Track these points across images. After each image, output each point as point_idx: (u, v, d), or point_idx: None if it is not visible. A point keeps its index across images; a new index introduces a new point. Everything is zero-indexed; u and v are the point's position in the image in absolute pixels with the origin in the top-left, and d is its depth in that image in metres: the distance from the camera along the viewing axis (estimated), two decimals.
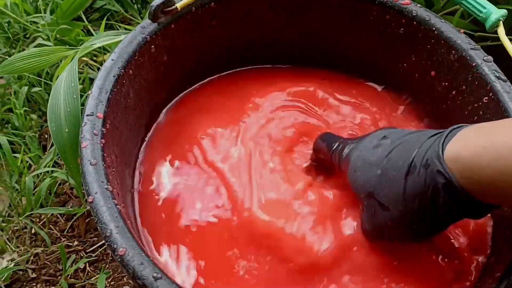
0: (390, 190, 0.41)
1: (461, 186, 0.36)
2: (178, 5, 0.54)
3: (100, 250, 0.72)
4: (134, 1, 0.95)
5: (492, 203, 0.37)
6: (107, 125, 0.47)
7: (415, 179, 0.39)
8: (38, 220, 0.75)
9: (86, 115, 0.46)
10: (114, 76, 0.49)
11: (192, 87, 0.64)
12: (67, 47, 0.78)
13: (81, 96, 0.71)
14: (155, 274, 0.38)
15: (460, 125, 0.39)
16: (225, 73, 0.65)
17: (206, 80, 0.65)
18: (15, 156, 0.74)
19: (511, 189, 0.33)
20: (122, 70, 0.50)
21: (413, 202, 0.40)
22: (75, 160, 0.55)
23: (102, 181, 0.43)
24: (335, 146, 0.51)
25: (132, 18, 0.92)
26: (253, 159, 0.54)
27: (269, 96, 0.60)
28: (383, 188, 0.42)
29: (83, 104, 0.49)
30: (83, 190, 0.43)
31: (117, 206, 0.42)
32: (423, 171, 0.38)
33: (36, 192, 0.72)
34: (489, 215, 0.51)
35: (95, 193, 0.42)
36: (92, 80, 0.72)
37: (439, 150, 0.37)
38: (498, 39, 0.51)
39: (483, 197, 0.36)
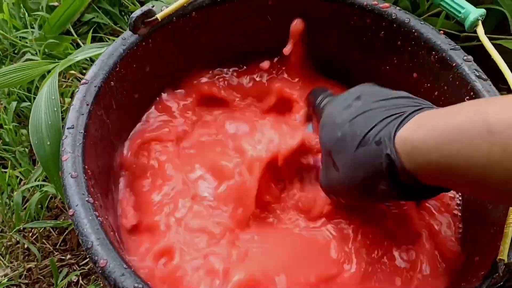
0: (342, 154, 0.43)
1: (406, 169, 0.37)
2: (159, 15, 0.54)
3: None
4: (123, 13, 0.95)
5: (439, 186, 0.38)
6: (88, 137, 0.47)
7: (365, 151, 0.41)
8: (31, 234, 0.75)
9: (67, 128, 0.46)
10: (95, 88, 0.50)
11: None
12: (55, 60, 0.79)
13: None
14: (136, 285, 0.39)
15: (421, 107, 0.40)
16: None
17: None
18: (5, 172, 0.75)
19: (454, 173, 0.34)
20: (104, 82, 0.50)
21: (357, 171, 0.42)
22: (58, 173, 0.55)
23: (83, 194, 0.43)
24: (319, 99, 0.55)
25: (121, 30, 0.93)
26: None
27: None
28: (339, 150, 0.44)
29: None
30: (66, 203, 0.43)
31: (99, 218, 0.42)
32: (374, 147, 0.40)
33: (26, 206, 0.72)
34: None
35: (76, 206, 0.42)
36: None
37: (393, 132, 0.39)
38: None
39: (427, 180, 0.37)
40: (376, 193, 0.42)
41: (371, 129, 0.41)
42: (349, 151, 0.42)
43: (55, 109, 0.54)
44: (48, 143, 0.54)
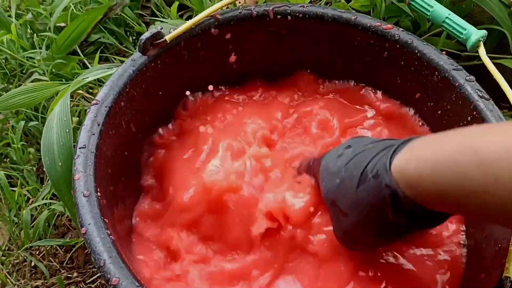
0: (346, 198, 0.44)
1: (408, 196, 0.38)
2: (167, 37, 0.55)
3: (99, 280, 0.72)
4: (128, 33, 0.97)
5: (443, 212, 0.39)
6: (100, 157, 0.48)
7: (365, 188, 0.42)
8: (37, 252, 0.75)
9: (79, 148, 0.47)
10: (106, 108, 0.51)
11: None
12: (63, 81, 0.80)
13: (78, 128, 0.72)
14: None
15: (409, 138, 0.41)
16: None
17: None
18: (13, 190, 0.75)
19: (451, 201, 0.35)
20: (114, 103, 0.51)
21: (364, 209, 0.43)
22: (69, 193, 0.55)
23: (96, 212, 0.44)
24: (309, 161, 0.55)
25: (127, 50, 0.94)
26: None
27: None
28: (341, 196, 0.45)
29: None
30: (78, 221, 0.44)
31: (111, 236, 0.43)
32: (373, 181, 0.41)
33: (34, 224, 0.73)
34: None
35: (89, 224, 0.43)
36: None
37: (387, 162, 0.39)
38: None
39: (430, 206, 0.38)
40: (388, 226, 0.42)
41: (367, 165, 0.42)
42: (351, 192, 0.43)
43: (67, 130, 0.55)
44: (60, 163, 0.54)
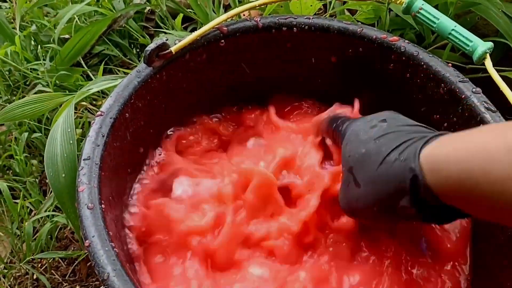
0: (365, 171, 0.44)
1: (428, 183, 0.38)
2: (173, 48, 0.55)
3: None
4: (132, 45, 0.97)
5: (456, 208, 0.39)
6: (104, 168, 0.48)
7: (388, 167, 0.42)
8: (39, 265, 0.75)
9: (83, 159, 0.47)
10: (110, 120, 0.50)
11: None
12: (66, 92, 0.80)
13: (81, 140, 0.72)
14: None
15: (443, 132, 0.42)
16: None
17: None
18: (15, 202, 0.75)
19: (474, 188, 0.35)
20: (119, 114, 0.51)
21: (380, 187, 0.43)
22: (73, 205, 0.55)
23: (99, 225, 0.43)
24: (335, 124, 0.55)
25: (130, 62, 0.94)
26: None
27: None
28: (361, 166, 0.45)
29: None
30: (81, 234, 0.43)
31: (115, 249, 0.42)
32: (398, 163, 0.41)
33: (36, 237, 0.73)
34: None
35: (92, 237, 0.42)
36: None
37: (418, 149, 0.40)
38: None
39: (447, 197, 0.38)
40: (396, 210, 0.42)
41: (397, 147, 0.42)
42: (372, 167, 0.43)
43: (71, 141, 0.55)
44: (63, 175, 0.54)
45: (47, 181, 0.81)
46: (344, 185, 0.48)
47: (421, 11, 0.56)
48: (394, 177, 0.41)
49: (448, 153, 0.37)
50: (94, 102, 0.85)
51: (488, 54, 0.53)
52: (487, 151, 0.34)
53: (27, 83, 0.89)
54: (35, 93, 0.83)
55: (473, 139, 0.36)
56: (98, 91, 0.79)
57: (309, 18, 0.59)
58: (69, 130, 0.56)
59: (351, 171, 0.46)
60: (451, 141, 0.38)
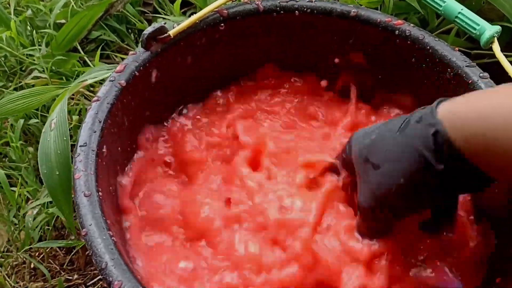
0: (382, 148, 0.43)
1: (450, 139, 0.37)
2: (171, 32, 0.53)
3: (100, 283, 0.71)
4: (130, 31, 0.95)
5: (482, 170, 0.38)
6: (101, 155, 0.46)
7: (406, 132, 0.41)
8: (37, 254, 0.74)
9: (80, 146, 0.46)
10: (107, 105, 0.49)
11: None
12: (63, 78, 0.78)
13: (78, 126, 0.71)
14: None
15: (446, 98, 0.41)
16: None
17: None
18: (12, 190, 0.74)
19: (498, 145, 0.35)
20: (116, 99, 0.50)
21: (401, 154, 0.41)
22: (67, 202, 0.54)
23: (97, 212, 0.42)
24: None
25: (128, 47, 0.93)
26: None
27: None
28: (376, 148, 0.44)
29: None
30: (78, 222, 0.42)
31: (113, 238, 0.41)
32: (415, 125, 0.40)
33: (33, 226, 0.71)
34: None
35: (90, 225, 0.41)
36: None
37: (434, 107, 0.39)
38: (494, 56, 0.51)
39: (472, 155, 0.37)
40: (424, 176, 0.40)
41: (410, 116, 0.42)
42: (389, 140, 0.43)
43: (65, 138, 0.54)
44: (57, 172, 0.53)
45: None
46: (363, 181, 0.46)
47: None
48: (416, 138, 0.40)
49: (469, 109, 0.37)
50: (91, 88, 0.83)
51: (496, 38, 0.52)
52: (509, 109, 0.34)
53: (23, 68, 0.88)
54: (32, 79, 0.81)
55: (493, 98, 0.36)
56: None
57: (311, 1, 0.58)
58: (62, 126, 0.54)
59: (368, 160, 0.45)
60: (471, 97, 0.38)
